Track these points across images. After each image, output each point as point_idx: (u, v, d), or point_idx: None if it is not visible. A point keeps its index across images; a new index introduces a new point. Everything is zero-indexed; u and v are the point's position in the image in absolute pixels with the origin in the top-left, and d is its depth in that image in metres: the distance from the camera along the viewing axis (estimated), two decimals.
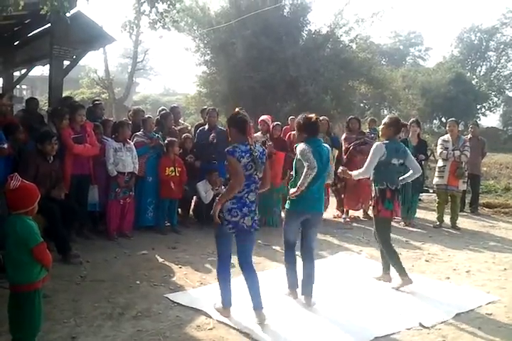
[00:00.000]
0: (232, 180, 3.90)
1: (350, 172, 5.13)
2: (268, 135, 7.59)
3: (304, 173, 4.25)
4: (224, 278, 4.12)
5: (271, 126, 7.69)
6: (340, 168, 5.31)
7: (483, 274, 5.61)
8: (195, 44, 19.30)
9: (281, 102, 17.43)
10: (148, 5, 8.17)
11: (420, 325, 4.09)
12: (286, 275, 4.64)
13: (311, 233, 4.60)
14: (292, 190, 4.41)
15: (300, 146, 4.40)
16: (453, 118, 8.92)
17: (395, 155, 4.95)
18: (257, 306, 4.02)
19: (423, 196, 10.10)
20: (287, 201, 4.58)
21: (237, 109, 4.18)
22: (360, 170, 5.05)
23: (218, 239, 4.07)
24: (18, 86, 16.72)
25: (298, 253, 4.67)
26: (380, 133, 5.26)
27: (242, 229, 3.94)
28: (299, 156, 4.40)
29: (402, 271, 4.99)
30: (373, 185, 5.08)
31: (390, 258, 5.06)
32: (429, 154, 8.64)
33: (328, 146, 4.61)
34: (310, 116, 4.48)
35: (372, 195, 5.13)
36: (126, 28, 8.75)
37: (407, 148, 5.17)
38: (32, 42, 9.06)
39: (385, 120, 5.14)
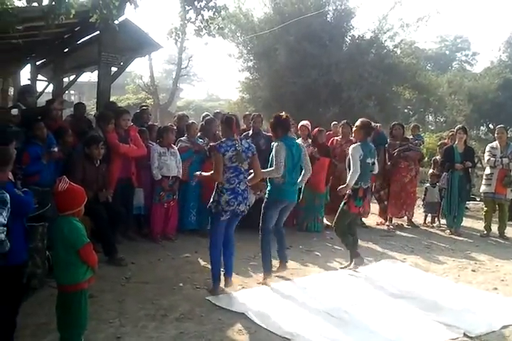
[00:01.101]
0: (213, 172, 4.55)
1: (341, 187, 5.50)
2: (310, 140, 7.57)
3: (269, 170, 4.96)
4: (216, 258, 4.72)
5: (312, 132, 7.66)
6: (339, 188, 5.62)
7: None
8: (238, 50, 19.47)
9: (324, 108, 17.35)
10: (194, 12, 8.33)
11: (465, 335, 3.98)
12: (264, 261, 5.17)
13: (283, 217, 5.37)
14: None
15: (276, 145, 4.99)
16: (502, 125, 8.66)
17: (369, 155, 5.47)
18: (229, 274, 4.82)
19: (470, 204, 9.84)
20: (267, 192, 5.15)
21: (282, 114, 4.68)
22: (351, 172, 5.38)
23: (214, 225, 4.70)
24: (66, 91, 17.26)
25: None
26: (353, 135, 5.77)
27: (236, 214, 4.65)
28: (273, 153, 4.99)
29: (354, 251, 5.65)
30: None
31: (347, 241, 5.65)
32: (476, 161, 8.41)
33: (301, 143, 5.36)
34: (281, 114, 5.13)
35: (346, 192, 5.51)
36: (172, 35, 8.95)
37: (375, 149, 5.71)
38: (81, 49, 9.34)
39: (357, 123, 5.60)
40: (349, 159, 5.46)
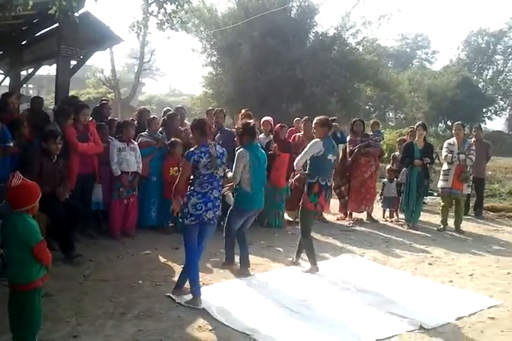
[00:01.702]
0: (178, 180, 4.41)
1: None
2: (271, 136, 7.59)
3: (229, 176, 4.97)
4: (193, 270, 4.44)
5: (274, 127, 7.68)
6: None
7: (486, 278, 5.59)
8: (201, 45, 19.39)
9: (287, 104, 17.45)
10: (157, 6, 8.21)
11: (421, 327, 4.08)
12: (227, 249, 5.36)
13: (249, 222, 5.35)
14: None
15: (240, 152, 5.00)
16: (459, 122, 8.87)
17: (331, 151, 5.46)
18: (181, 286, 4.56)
19: (427, 199, 10.06)
20: (234, 199, 5.15)
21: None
22: (296, 161, 5.48)
23: (184, 230, 4.47)
24: (24, 85, 16.79)
25: None
26: (314, 132, 5.64)
27: (202, 221, 4.34)
28: (235, 160, 4.99)
29: (313, 259, 5.49)
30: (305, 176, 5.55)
31: (306, 246, 5.53)
32: (434, 157, 8.59)
33: (263, 151, 5.30)
34: (249, 121, 5.17)
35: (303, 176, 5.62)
36: (134, 29, 8.81)
37: (335, 145, 5.77)
38: (39, 41, 9.10)
39: (316, 121, 5.57)
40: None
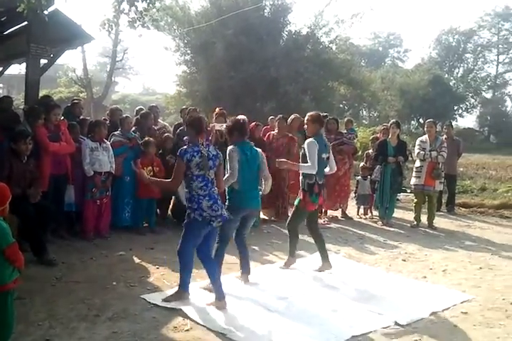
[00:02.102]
0: (171, 180, 4.25)
1: (297, 164, 5.37)
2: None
3: (225, 178, 4.63)
4: (191, 264, 4.42)
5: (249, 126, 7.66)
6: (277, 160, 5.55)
7: (459, 273, 5.68)
8: (175, 43, 19.26)
9: (262, 102, 17.47)
10: (128, 3, 8.09)
11: (396, 323, 4.12)
12: (217, 254, 4.75)
13: (247, 225, 5.04)
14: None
15: (230, 149, 4.77)
16: (431, 119, 9.00)
17: (324, 150, 5.29)
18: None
19: (401, 196, 10.19)
20: (227, 198, 4.86)
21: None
22: (306, 165, 5.21)
23: (192, 232, 4.26)
24: None
25: None
26: (306, 130, 5.46)
27: (225, 218, 4.30)
28: (227, 159, 4.74)
29: (292, 252, 5.56)
30: (302, 178, 5.31)
31: (291, 240, 5.54)
32: (407, 154, 8.69)
33: (257, 149, 4.99)
34: (238, 118, 4.92)
35: (301, 188, 5.35)
36: (105, 27, 8.66)
37: (328, 143, 5.55)
38: (8, 40, 8.89)
39: (308, 117, 5.38)
40: (304, 154, 5.26)
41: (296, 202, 5.44)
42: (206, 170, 4.16)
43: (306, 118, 5.45)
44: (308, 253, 6.23)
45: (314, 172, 5.16)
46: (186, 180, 4.21)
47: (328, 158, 5.40)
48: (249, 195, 4.85)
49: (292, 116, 8.34)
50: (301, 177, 5.35)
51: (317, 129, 5.34)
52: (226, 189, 4.79)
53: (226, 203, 4.78)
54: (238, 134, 4.84)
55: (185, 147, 4.21)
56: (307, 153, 5.20)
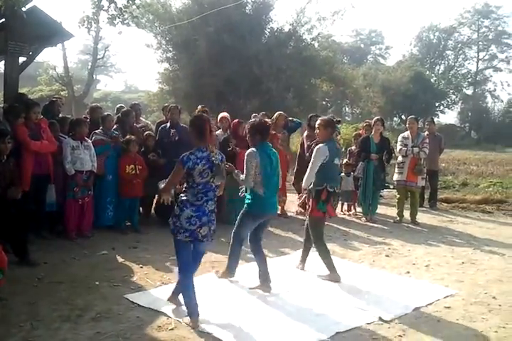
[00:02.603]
0: (166, 182, 3.93)
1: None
2: (229, 132, 7.55)
3: (241, 177, 4.52)
4: (188, 288, 3.97)
5: (232, 123, 7.65)
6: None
7: (441, 268, 5.74)
8: (156, 41, 19.13)
9: (245, 100, 17.43)
10: (107, 0, 8.02)
11: (380, 319, 4.14)
12: (231, 258, 4.88)
13: (263, 230, 4.89)
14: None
15: (250, 152, 4.51)
16: (412, 116, 9.08)
17: (336, 155, 5.11)
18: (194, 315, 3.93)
19: (384, 192, 10.26)
20: (246, 203, 4.65)
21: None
22: (305, 177, 5.09)
23: (176, 246, 3.96)
24: None
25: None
26: (317, 135, 5.24)
27: (196, 238, 3.86)
28: (245, 161, 4.51)
29: (332, 268, 5.13)
30: (312, 185, 5.08)
31: (322, 254, 5.17)
32: (391, 149, 8.74)
33: (275, 151, 4.76)
34: (266, 120, 4.69)
35: (307, 194, 5.17)
36: (85, 24, 8.56)
37: (340, 147, 5.32)
38: None
39: (320, 122, 5.13)
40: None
41: (308, 213, 5.18)
42: (211, 177, 3.84)
43: (317, 122, 5.19)
44: (292, 250, 6.23)
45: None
46: (186, 186, 3.92)
47: (341, 163, 5.13)
48: (271, 200, 4.67)
49: (276, 114, 8.34)
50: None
51: (329, 134, 5.12)
52: (246, 193, 4.65)
53: (245, 207, 4.64)
54: (260, 136, 4.59)
55: (187, 153, 3.84)
56: (311, 159, 5.07)
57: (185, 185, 3.92)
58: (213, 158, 3.82)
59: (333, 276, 5.11)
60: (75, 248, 5.92)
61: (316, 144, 5.29)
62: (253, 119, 4.77)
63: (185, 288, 3.99)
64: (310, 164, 5.07)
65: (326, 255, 5.16)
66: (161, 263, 5.46)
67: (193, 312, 3.90)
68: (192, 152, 3.82)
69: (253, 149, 4.53)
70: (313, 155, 5.05)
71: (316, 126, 5.20)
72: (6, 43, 6.89)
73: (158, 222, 7.27)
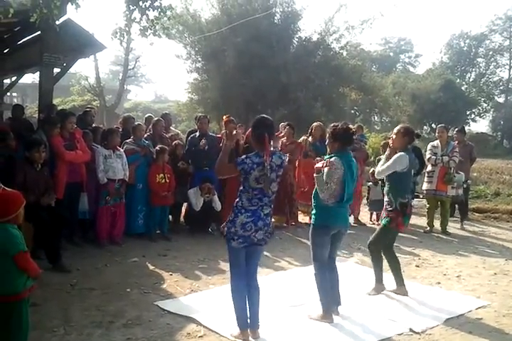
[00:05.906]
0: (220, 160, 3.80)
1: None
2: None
3: (320, 190, 4.17)
4: (239, 297, 3.84)
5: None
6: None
7: (473, 279, 5.64)
8: (186, 51, 19.40)
9: (273, 109, 17.50)
10: (139, 12, 8.19)
11: (411, 330, 4.10)
12: (321, 293, 4.31)
13: (338, 246, 4.50)
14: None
15: (332, 161, 4.15)
16: (442, 124, 8.99)
17: (412, 166, 4.88)
18: (254, 325, 3.86)
19: (413, 201, 10.12)
20: (313, 216, 4.35)
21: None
22: (380, 168, 4.92)
23: (229, 253, 3.86)
24: (8, 93, 16.65)
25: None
26: (392, 142, 4.98)
27: (251, 243, 3.76)
28: (325, 169, 4.15)
29: (379, 277, 5.07)
30: (392, 197, 4.84)
31: (375, 263, 5.14)
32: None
33: (354, 160, 4.40)
34: (350, 125, 4.34)
35: (389, 207, 4.86)
36: (117, 36, 8.76)
37: (416, 158, 5.02)
38: (22, 49, 9.04)
39: (399, 129, 4.89)
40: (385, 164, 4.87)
41: (383, 222, 4.93)
42: (267, 183, 3.69)
43: (396, 128, 4.95)
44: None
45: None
46: (241, 189, 3.79)
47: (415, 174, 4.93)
48: (341, 211, 4.30)
49: (314, 124, 8.37)
50: (390, 196, 4.87)
51: (405, 143, 4.85)
52: (313, 203, 4.36)
53: (312, 221, 4.35)
54: (341, 143, 4.26)
55: (244, 156, 3.74)
56: (390, 162, 4.81)
57: (240, 188, 3.82)
58: (270, 164, 3.68)
59: (379, 288, 5.05)
60: (106, 255, 6.01)
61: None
62: (335, 124, 4.41)
63: (234, 299, 3.85)
64: (387, 163, 4.83)
65: (380, 264, 5.11)
66: (190, 271, 5.51)
67: (243, 323, 3.80)
68: (247, 156, 3.72)
69: (335, 158, 4.17)
70: (393, 160, 4.79)
71: (395, 131, 4.94)
72: (41, 55, 7.11)
73: (188, 230, 7.35)
